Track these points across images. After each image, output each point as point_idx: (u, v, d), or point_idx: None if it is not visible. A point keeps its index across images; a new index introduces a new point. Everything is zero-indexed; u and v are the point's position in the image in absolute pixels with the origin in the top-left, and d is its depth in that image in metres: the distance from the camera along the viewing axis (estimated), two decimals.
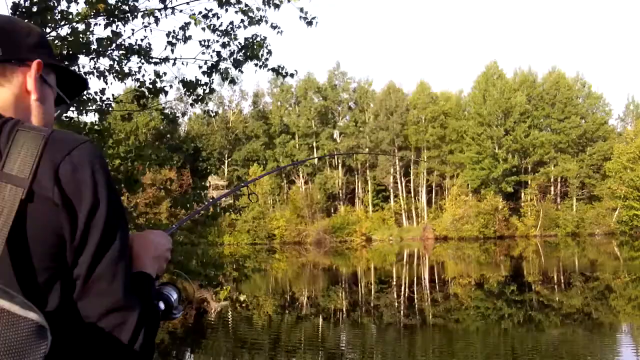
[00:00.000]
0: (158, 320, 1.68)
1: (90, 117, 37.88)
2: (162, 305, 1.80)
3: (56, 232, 1.44)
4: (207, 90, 8.62)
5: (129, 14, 7.63)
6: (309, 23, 8.69)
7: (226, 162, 77.91)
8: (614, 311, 21.83)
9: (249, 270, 28.40)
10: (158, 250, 1.81)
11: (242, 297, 19.38)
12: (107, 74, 7.99)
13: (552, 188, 74.36)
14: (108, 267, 1.48)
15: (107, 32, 7.58)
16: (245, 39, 8.67)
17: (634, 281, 28.87)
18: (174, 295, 1.86)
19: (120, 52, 7.80)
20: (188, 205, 9.08)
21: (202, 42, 8.61)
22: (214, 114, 10.14)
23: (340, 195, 78.13)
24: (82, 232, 1.46)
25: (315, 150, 78.38)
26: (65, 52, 6.81)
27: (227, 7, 8.26)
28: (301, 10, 8.59)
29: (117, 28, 7.66)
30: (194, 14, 8.24)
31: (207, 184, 12.13)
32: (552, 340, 17.02)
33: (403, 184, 76.43)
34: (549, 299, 23.88)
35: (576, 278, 30.65)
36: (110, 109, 8.36)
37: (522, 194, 72.95)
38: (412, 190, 76.53)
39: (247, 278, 26.84)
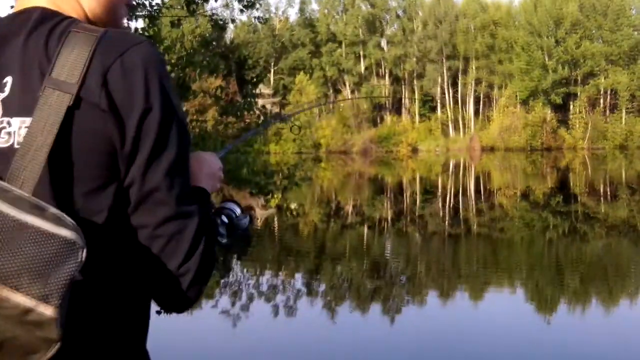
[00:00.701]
0: (216, 233, 1.68)
1: (140, 23, 37.85)
2: (225, 219, 1.80)
3: (105, 140, 1.38)
4: None
5: None
6: None
7: (272, 70, 77.62)
8: None
9: (298, 179, 28.64)
10: (212, 169, 1.78)
11: (292, 205, 19.61)
12: None
13: (602, 100, 72.85)
14: (164, 175, 1.42)
15: None
16: None
17: None
18: (237, 210, 1.87)
19: None
20: (238, 113, 9.10)
21: None
22: (264, 20, 10.04)
23: (387, 105, 77.60)
24: (132, 139, 1.39)
25: (362, 58, 77.51)
26: None
27: None
28: None
29: None
30: None
31: (258, 92, 12.07)
32: (597, 252, 17.01)
33: (450, 94, 75.53)
34: (595, 211, 23.76)
35: (623, 190, 30.36)
36: (160, 14, 8.31)
37: (571, 106, 71.64)
38: (459, 101, 75.63)
39: (297, 186, 27.10)
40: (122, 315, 1.51)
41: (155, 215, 1.42)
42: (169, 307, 1.54)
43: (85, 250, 1.23)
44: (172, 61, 7.93)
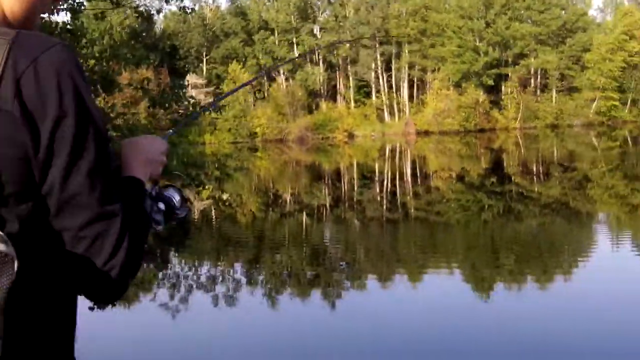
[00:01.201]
0: (147, 224, 1.66)
1: (62, 17, 36.97)
2: (162, 206, 1.78)
3: (19, 147, 1.35)
4: None
5: None
6: None
7: (204, 60, 76.91)
8: (591, 200, 22.21)
9: (230, 169, 28.52)
10: (150, 154, 1.77)
11: (224, 196, 19.50)
12: None
13: (532, 80, 74.25)
14: (84, 179, 1.41)
15: None
16: None
17: (610, 171, 29.27)
18: (176, 197, 1.84)
19: None
20: (167, 105, 8.98)
21: None
22: (190, 10, 9.92)
23: (322, 92, 77.71)
24: (47, 146, 1.36)
25: (295, 46, 77.42)
26: None
27: None
28: None
29: None
30: None
31: (186, 83, 11.96)
32: (531, 230, 17.36)
33: (384, 79, 76.00)
34: (528, 190, 24.24)
35: (555, 169, 31.05)
36: (82, 7, 8.13)
37: (503, 87, 72.83)
38: (393, 85, 76.17)
39: (229, 177, 26.96)
40: (47, 318, 1.49)
41: (78, 218, 1.41)
42: (98, 300, 1.57)
43: (17, 261, 1.24)
44: (96, 54, 7.76)
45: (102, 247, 1.44)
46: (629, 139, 51.19)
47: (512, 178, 28.15)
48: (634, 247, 15.14)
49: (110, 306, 9.60)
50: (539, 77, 74.35)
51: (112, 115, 8.81)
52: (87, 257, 1.43)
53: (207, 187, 18.32)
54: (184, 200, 1.87)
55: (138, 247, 1.52)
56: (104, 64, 7.76)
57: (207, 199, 19.97)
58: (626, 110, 70.06)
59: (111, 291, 1.51)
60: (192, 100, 10.16)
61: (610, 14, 78.87)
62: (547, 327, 8.27)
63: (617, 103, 68.47)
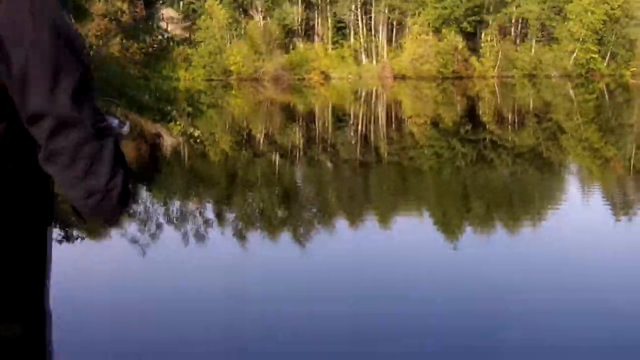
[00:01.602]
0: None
1: None
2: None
3: None
4: None
5: None
6: None
7: None
8: (565, 151, 22.30)
9: (203, 106, 28.21)
10: None
11: (196, 133, 19.28)
12: None
13: (513, 29, 73.92)
14: (71, 99, 1.40)
15: None
16: None
17: (585, 123, 29.38)
18: (115, 120, 1.78)
19: None
20: (140, 37, 8.72)
21: None
22: None
23: (299, 31, 76.81)
24: (23, 72, 1.35)
25: None
26: None
27: None
28: None
29: None
30: None
31: (160, 16, 11.66)
32: (503, 179, 17.41)
33: (364, 21, 75.23)
34: (502, 139, 24.26)
35: (530, 119, 31.08)
36: None
37: (482, 35, 72.47)
38: (372, 28, 75.46)
39: (202, 113, 26.68)
40: (18, 253, 1.49)
41: (71, 139, 1.41)
42: (102, 221, 1.58)
43: None
44: None
45: (101, 166, 1.46)
46: (605, 92, 51.37)
47: (487, 126, 28.14)
48: (603, 198, 15.25)
49: (77, 242, 9.48)
50: (519, 26, 74.01)
51: None
52: (87, 179, 1.46)
53: (178, 123, 18.08)
54: (121, 121, 1.82)
55: (126, 163, 1.56)
56: None
57: (179, 134, 19.71)
58: (604, 64, 70.16)
59: (116, 209, 1.55)
60: (165, 35, 9.90)
61: None
62: (513, 275, 8.28)
63: (596, 56, 68.51)
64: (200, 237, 10.29)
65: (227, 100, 44.98)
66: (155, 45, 17.90)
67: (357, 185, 16.12)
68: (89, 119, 1.43)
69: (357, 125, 29.40)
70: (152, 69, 16.06)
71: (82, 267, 8.36)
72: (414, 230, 10.99)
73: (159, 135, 19.56)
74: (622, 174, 18.26)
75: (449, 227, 11.66)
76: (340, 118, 33.32)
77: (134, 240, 9.86)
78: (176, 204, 13.29)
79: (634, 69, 70.31)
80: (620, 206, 14.42)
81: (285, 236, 10.63)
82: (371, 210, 12.76)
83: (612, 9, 68.12)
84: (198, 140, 19.56)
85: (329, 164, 19.06)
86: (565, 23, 70.47)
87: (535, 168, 19.14)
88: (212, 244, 9.91)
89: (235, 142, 23.40)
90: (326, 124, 30.15)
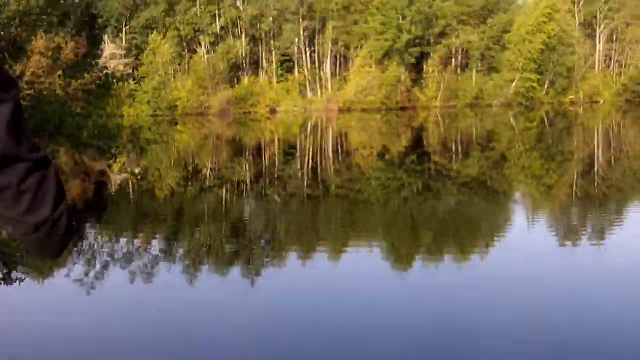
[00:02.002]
0: None
1: None
2: None
3: None
4: None
5: None
6: None
7: (124, 29, 75.11)
8: (508, 179, 22.68)
9: (144, 142, 27.95)
10: None
11: (136, 170, 19.08)
12: None
13: (454, 59, 75.22)
14: (6, 134, 1.37)
15: None
16: None
17: (527, 151, 29.95)
18: None
19: None
20: (81, 73, 8.65)
21: None
22: None
23: (244, 65, 76.94)
24: None
25: (217, 17, 76.33)
26: None
27: None
28: None
29: None
30: None
31: (100, 52, 11.58)
32: (449, 208, 17.59)
33: (307, 54, 75.76)
34: (447, 168, 24.56)
35: (473, 148, 31.57)
36: None
37: (424, 65, 73.55)
38: (316, 61, 76.02)
39: (142, 150, 26.43)
40: None
41: (13, 174, 1.38)
42: (50, 253, 1.55)
43: None
44: (3, 20, 7.39)
45: (46, 196, 1.42)
46: (545, 119, 52.53)
47: (432, 156, 28.49)
48: (546, 225, 15.54)
49: (20, 281, 9.28)
50: (460, 56, 75.35)
51: (20, 83, 8.42)
52: (33, 211, 1.42)
53: (118, 160, 17.87)
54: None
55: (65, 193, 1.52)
56: (13, 30, 7.40)
57: (119, 172, 19.46)
58: (544, 92, 71.75)
59: (64, 239, 1.50)
60: (106, 71, 9.83)
61: None
62: (461, 301, 8.37)
63: (535, 84, 70.02)
64: (148, 275, 10.18)
65: (172, 135, 44.70)
66: (97, 82, 17.75)
67: (305, 218, 16.12)
68: (27, 151, 1.41)
69: (304, 158, 29.49)
70: (95, 106, 15.85)
71: (25, 308, 8.20)
72: (361, 262, 11.03)
73: (99, 172, 19.31)
74: (564, 201, 18.67)
75: (397, 256, 11.73)
76: (286, 151, 33.38)
77: (78, 280, 9.71)
78: (118, 241, 13.11)
79: (572, 96, 72.17)
80: (564, 231, 14.73)
81: (235, 271, 10.57)
82: (320, 243, 12.77)
83: (548, 37, 69.86)
84: (139, 177, 19.34)
85: (277, 198, 19.05)
86: (504, 52, 72.01)
87: (480, 197, 19.42)
88: (158, 281, 9.80)
89: (181, 178, 23.23)
90: (273, 157, 30.17)
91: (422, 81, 72.57)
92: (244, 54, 76.14)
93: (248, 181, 22.38)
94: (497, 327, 7.56)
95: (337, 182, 22.15)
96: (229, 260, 11.27)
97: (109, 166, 18.74)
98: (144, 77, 55.91)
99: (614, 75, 75.48)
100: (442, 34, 73.51)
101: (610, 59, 76.76)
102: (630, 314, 7.88)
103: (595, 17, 75.89)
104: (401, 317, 7.91)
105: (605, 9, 75.43)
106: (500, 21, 73.24)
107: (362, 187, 20.72)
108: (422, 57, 73.24)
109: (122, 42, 71.31)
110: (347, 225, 15.00)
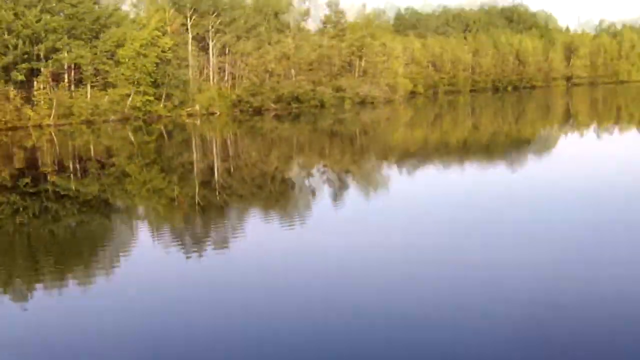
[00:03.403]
0: None
1: None
2: None
3: None
4: None
5: None
6: None
7: None
8: (131, 195, 22.44)
9: None
10: None
11: None
12: None
13: (66, 75, 72.97)
14: None
15: None
16: None
17: (148, 165, 29.97)
18: None
19: None
20: None
21: None
22: None
23: None
24: None
25: None
26: None
27: None
28: None
29: None
30: None
31: None
32: (70, 229, 16.91)
33: None
34: (66, 188, 23.51)
35: (92, 165, 30.67)
36: None
37: (35, 82, 70.29)
38: None
39: None
40: None
41: None
42: None
43: None
44: None
45: None
46: (164, 132, 53.36)
47: (48, 177, 27.00)
48: (173, 238, 15.61)
49: None
50: (73, 72, 73.28)
51: None
52: None
53: None
54: None
55: None
56: None
57: None
58: (161, 105, 72.65)
59: None
60: None
61: (144, 10, 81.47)
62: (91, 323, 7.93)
63: (151, 98, 70.54)
64: None
65: None
66: None
67: None
68: None
69: None
70: None
71: None
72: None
73: None
74: (187, 212, 18.90)
75: (9, 285, 10.88)
76: None
77: None
78: None
79: (189, 108, 74.16)
80: (188, 242, 14.91)
81: None
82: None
83: (163, 51, 70.96)
84: None
85: None
86: (119, 67, 71.54)
87: (102, 215, 18.92)
88: None
89: None
90: None
91: (33, 99, 69.22)
92: None
93: None
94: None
95: None
96: None
97: None
98: None
99: (229, 87, 79.45)
100: (53, 50, 70.87)
101: (225, 71, 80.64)
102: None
103: (208, 30, 79.26)
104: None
105: (217, 22, 79.22)
106: (114, 36, 72.73)
107: None
108: (32, 73, 69.93)
109: None
110: None
